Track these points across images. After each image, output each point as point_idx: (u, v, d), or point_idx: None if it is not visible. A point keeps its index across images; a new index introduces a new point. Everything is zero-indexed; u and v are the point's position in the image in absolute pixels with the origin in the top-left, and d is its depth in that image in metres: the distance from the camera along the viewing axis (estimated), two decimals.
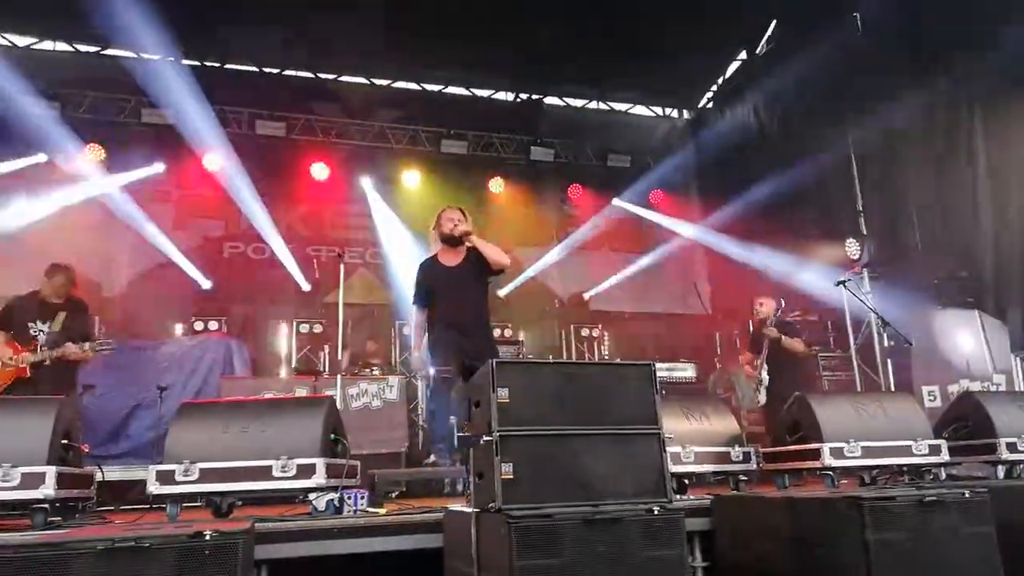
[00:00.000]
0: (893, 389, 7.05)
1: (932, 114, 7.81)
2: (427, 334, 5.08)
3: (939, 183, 7.73)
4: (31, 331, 5.29)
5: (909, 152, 8.08)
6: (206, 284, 9.76)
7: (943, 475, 4.31)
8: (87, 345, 5.30)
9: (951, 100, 7.66)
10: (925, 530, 2.59)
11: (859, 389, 7.66)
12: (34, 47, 9.77)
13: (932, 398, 7.10)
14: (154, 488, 3.46)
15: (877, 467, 4.18)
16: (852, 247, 8.27)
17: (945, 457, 4.16)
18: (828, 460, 4.01)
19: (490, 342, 5.11)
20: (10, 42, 9.61)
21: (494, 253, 5.00)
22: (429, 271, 5.15)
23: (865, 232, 8.63)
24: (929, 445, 4.14)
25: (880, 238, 8.38)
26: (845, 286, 7.14)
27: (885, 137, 8.30)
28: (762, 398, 6.60)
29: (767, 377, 6.63)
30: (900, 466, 4.21)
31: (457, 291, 4.99)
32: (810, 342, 7.39)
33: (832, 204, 9.23)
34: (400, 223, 10.61)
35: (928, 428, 4.26)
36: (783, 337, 6.61)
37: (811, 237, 9.23)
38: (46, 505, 3.28)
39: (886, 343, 6.79)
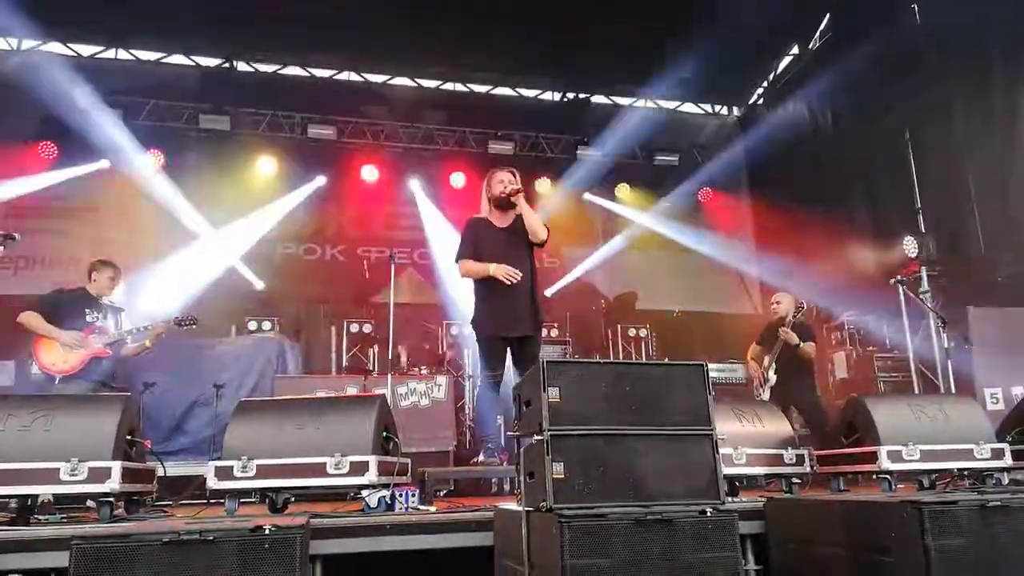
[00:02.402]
0: (953, 391, 6.84)
1: (993, 108, 7.56)
2: (476, 296, 4.99)
3: (1002, 179, 7.48)
4: (88, 318, 5.53)
5: (970, 147, 7.83)
6: (259, 285, 10.00)
7: (1006, 479, 4.17)
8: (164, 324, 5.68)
9: (1013, 93, 7.40)
10: (988, 536, 2.51)
11: (917, 391, 7.46)
12: (97, 56, 10.11)
13: (995, 400, 6.87)
14: (213, 483, 3.57)
15: (936, 471, 4.07)
16: (910, 245, 8.04)
17: (1008, 461, 4.03)
18: (885, 463, 3.92)
19: (537, 311, 4.93)
20: (75, 52, 9.97)
21: (534, 222, 4.89)
22: (479, 228, 5.04)
23: (923, 230, 8.38)
24: (992, 449, 4.02)
25: (939, 236, 8.13)
26: (902, 285, 6.97)
27: (944, 132, 8.06)
28: (765, 396, 6.49)
29: (774, 377, 6.54)
30: (961, 470, 4.10)
31: (507, 252, 4.88)
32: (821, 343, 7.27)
33: (888, 201, 9.00)
34: (448, 224, 10.69)
35: (990, 431, 4.13)
36: (800, 344, 6.47)
37: (866, 235, 9.02)
38: (112, 499, 3.40)
39: (945, 344, 6.59)
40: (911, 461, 3.94)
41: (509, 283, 4.74)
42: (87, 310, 5.58)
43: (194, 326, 5.89)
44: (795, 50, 10.93)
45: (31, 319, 5.40)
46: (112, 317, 5.67)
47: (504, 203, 4.98)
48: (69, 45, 9.92)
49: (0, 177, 8.87)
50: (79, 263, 9.12)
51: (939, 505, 2.48)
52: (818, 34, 10.28)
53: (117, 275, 5.83)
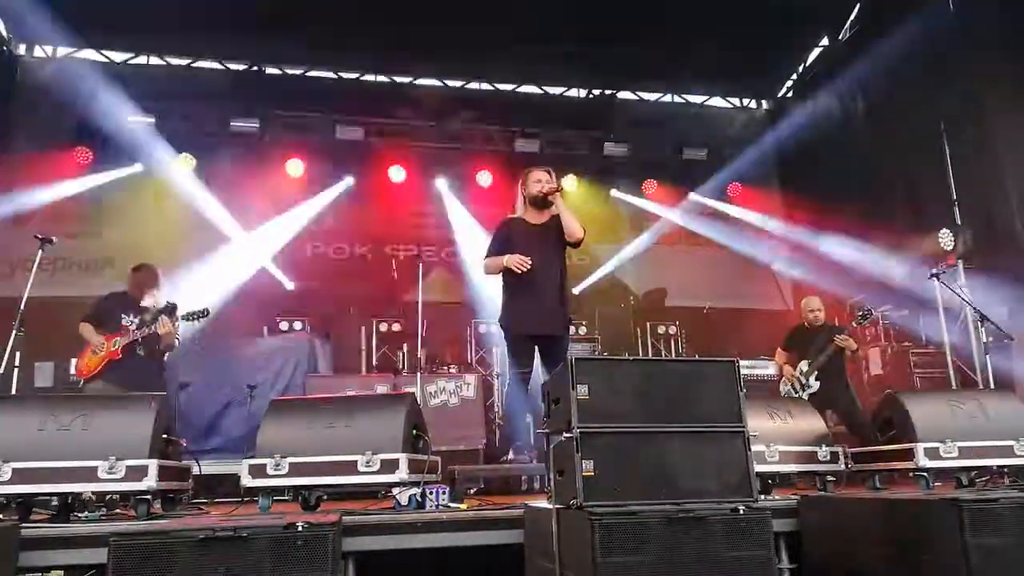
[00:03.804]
0: (992, 386, 6.69)
1: None
2: (503, 294, 5.00)
3: None
4: (123, 321, 5.65)
5: (1008, 136, 7.63)
6: (290, 285, 10.11)
7: None
8: (171, 318, 5.56)
9: None
10: None
11: (954, 387, 7.31)
12: (129, 62, 10.30)
13: None
14: (247, 481, 3.61)
15: (975, 468, 3.99)
16: (946, 238, 7.87)
17: None
18: (922, 461, 3.85)
19: (567, 311, 4.94)
20: (107, 58, 10.16)
21: (571, 222, 4.88)
22: (512, 225, 5.04)
23: (960, 222, 8.20)
24: None
25: (976, 228, 7.94)
26: (939, 279, 6.84)
27: (981, 121, 7.87)
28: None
29: (816, 384, 6.44)
30: (1001, 467, 4.01)
31: (539, 250, 4.86)
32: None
33: (923, 194, 8.81)
34: (475, 222, 10.71)
35: None
36: (858, 349, 6.39)
37: (901, 228, 8.85)
38: (149, 496, 3.46)
39: (984, 338, 6.44)
40: (949, 458, 3.86)
41: (520, 271, 4.74)
42: (123, 314, 5.70)
43: (206, 317, 5.80)
44: (825, 41, 10.76)
45: (81, 329, 5.63)
46: (153, 317, 5.68)
47: (541, 202, 4.98)
48: (102, 52, 10.11)
49: (37, 182, 9.08)
50: (113, 265, 9.39)
51: (979, 503, 2.43)
52: (848, 24, 10.10)
53: (152, 276, 5.95)
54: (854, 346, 6.42)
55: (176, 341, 5.79)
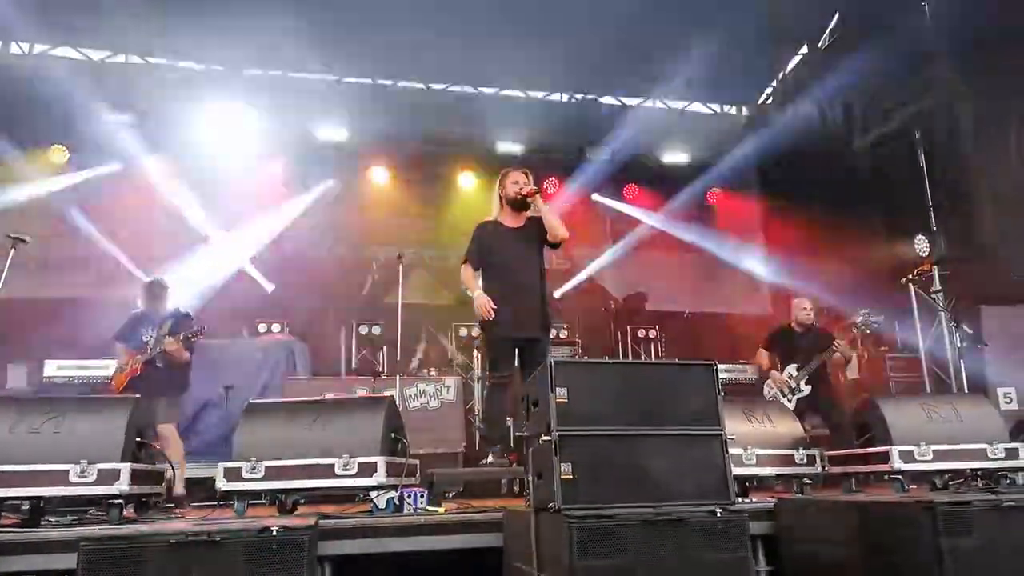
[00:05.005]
0: (966, 391, 6.78)
1: (1008, 102, 7.48)
2: None
3: (1016, 175, 7.40)
4: (144, 337, 5.85)
5: (983, 144, 7.75)
6: (269, 287, 10.03)
7: (1020, 479, 4.13)
8: (174, 337, 5.71)
9: None
10: (1002, 537, 2.47)
11: (928, 391, 7.40)
12: (107, 60, 10.17)
13: (1008, 400, 6.82)
14: (222, 484, 3.58)
15: (949, 471, 4.04)
16: (921, 244, 7.97)
17: (1022, 461, 3.98)
18: (897, 463, 3.89)
19: (546, 313, 4.91)
20: (86, 56, 10.03)
21: (555, 221, 4.84)
22: (489, 229, 5.00)
23: (935, 229, 8.31)
24: (1005, 448, 3.99)
25: (951, 234, 8.05)
26: (913, 284, 6.91)
27: (956, 129, 7.99)
28: (791, 406, 6.37)
29: (807, 388, 6.40)
30: (974, 470, 4.06)
31: (516, 252, 4.86)
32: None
33: (899, 200, 8.92)
34: (457, 224, 10.69)
35: (1004, 431, 4.10)
36: (852, 356, 6.39)
37: (877, 234, 8.95)
38: (121, 500, 3.41)
39: (958, 343, 6.53)
40: (924, 461, 3.91)
41: (485, 317, 4.74)
42: (143, 330, 5.89)
43: (201, 336, 5.95)
44: (804, 49, 10.86)
45: (116, 347, 5.92)
46: (172, 328, 5.84)
47: (518, 204, 4.95)
48: (80, 50, 9.97)
49: (13, 180, 8.94)
50: (88, 265, 9.27)
51: (952, 505, 2.45)
52: (827, 33, 10.21)
53: (162, 290, 6.15)
54: (851, 355, 6.38)
55: (187, 355, 5.88)
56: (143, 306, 6.07)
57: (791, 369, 6.54)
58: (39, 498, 3.40)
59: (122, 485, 3.33)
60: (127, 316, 6.13)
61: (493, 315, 4.72)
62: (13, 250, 5.43)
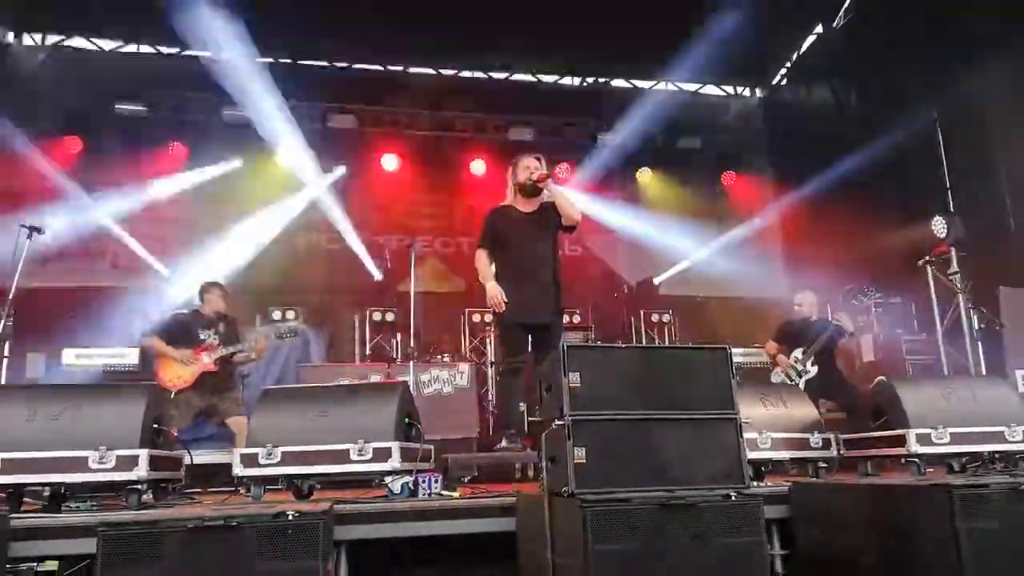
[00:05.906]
0: (984, 373, 6.72)
1: None
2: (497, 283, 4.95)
3: None
4: (201, 336, 5.91)
5: (1001, 124, 7.63)
6: (284, 274, 10.07)
7: None
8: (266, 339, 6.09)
9: None
10: (1020, 520, 2.45)
11: (946, 373, 7.33)
12: (119, 50, 10.19)
13: None
14: (239, 470, 3.61)
15: (967, 454, 4.00)
16: (939, 225, 7.86)
17: None
18: (914, 447, 3.86)
19: (559, 298, 4.91)
20: (97, 46, 10.06)
21: (568, 205, 4.82)
22: (501, 215, 4.98)
23: (952, 210, 8.20)
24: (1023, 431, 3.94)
25: (969, 216, 7.95)
26: (931, 266, 6.84)
27: (974, 109, 7.87)
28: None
29: (814, 369, 6.40)
30: (992, 453, 4.02)
31: (529, 237, 4.84)
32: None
33: (916, 182, 8.81)
34: (470, 211, 10.68)
35: (1022, 413, 4.04)
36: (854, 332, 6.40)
37: (894, 216, 8.85)
38: (140, 486, 3.45)
39: (976, 325, 6.46)
40: (940, 444, 3.88)
41: (497, 309, 4.75)
42: (200, 330, 5.92)
43: (295, 336, 6.29)
44: (819, 29, 10.71)
45: (152, 342, 5.86)
46: (226, 330, 6.00)
47: (531, 189, 4.93)
48: (92, 40, 10.00)
49: (29, 171, 9.00)
50: (104, 255, 9.35)
51: (970, 488, 2.43)
52: (842, 12, 10.07)
53: (224, 292, 6.21)
54: (851, 327, 6.38)
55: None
56: (208, 310, 6.05)
57: (797, 353, 6.56)
58: (60, 484, 3.44)
59: (140, 471, 3.36)
60: (176, 313, 6.28)
61: (504, 307, 4.73)
62: (28, 240, 5.49)
